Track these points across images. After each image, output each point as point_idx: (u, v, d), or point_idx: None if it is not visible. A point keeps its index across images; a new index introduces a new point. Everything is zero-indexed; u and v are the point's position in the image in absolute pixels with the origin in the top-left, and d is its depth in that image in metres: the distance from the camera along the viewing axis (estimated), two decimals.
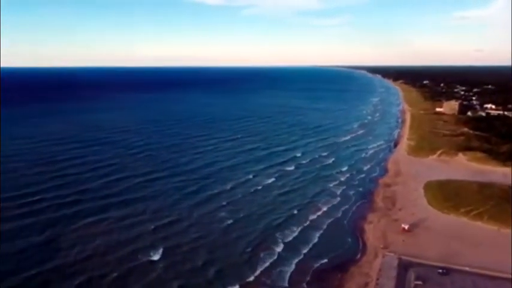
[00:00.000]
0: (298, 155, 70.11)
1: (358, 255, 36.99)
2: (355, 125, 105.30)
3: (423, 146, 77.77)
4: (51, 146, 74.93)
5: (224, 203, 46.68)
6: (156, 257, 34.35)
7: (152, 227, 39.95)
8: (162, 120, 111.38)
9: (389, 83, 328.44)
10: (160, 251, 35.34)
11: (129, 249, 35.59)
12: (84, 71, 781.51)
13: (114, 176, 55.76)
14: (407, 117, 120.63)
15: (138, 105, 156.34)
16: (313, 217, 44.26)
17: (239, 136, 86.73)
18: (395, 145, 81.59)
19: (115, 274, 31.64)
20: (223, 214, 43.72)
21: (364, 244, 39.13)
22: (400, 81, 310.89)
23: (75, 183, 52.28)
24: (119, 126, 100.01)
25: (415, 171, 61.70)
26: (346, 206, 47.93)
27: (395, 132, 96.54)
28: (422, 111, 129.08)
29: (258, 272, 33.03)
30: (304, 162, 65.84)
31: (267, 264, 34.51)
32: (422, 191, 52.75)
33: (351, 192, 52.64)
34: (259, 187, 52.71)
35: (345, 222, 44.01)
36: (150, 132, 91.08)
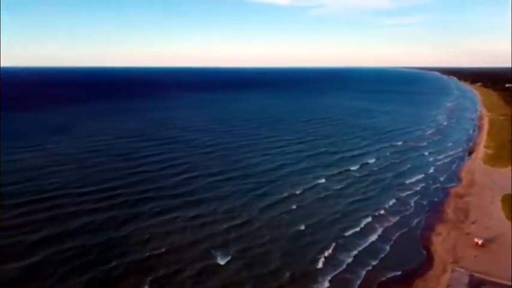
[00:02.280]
0: (370, 161, 67.35)
1: (425, 269, 34.84)
2: (429, 131, 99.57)
3: (502, 155, 71.36)
4: (127, 143, 78.85)
5: (294, 207, 46.00)
6: (227, 258, 34.46)
7: (223, 227, 40.31)
8: (229, 120, 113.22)
9: (465, 85, 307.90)
10: (232, 252, 35.50)
11: (201, 248, 36.15)
12: (139, 71, 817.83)
13: (187, 174, 57.27)
14: (485, 123, 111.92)
15: (203, 105, 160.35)
16: (382, 227, 42.29)
17: (308, 139, 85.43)
18: (470, 153, 75.83)
19: (188, 273, 32.20)
20: (293, 218, 43.06)
21: (432, 257, 36.87)
22: (479, 83, 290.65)
23: (150, 181, 54.31)
24: (188, 125, 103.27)
25: (491, 182, 56.78)
26: (416, 216, 45.36)
27: (471, 139, 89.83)
28: (502, 117, 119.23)
29: (327, 281, 32.08)
30: (375, 168, 63.10)
31: (337, 272, 33.46)
32: (499, 204, 48.22)
33: (421, 202, 49.70)
34: (329, 193, 51.35)
35: (413, 233, 41.67)
36: (219, 132, 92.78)
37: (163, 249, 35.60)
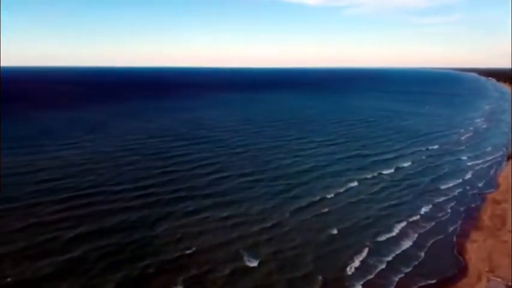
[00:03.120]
0: (404, 164, 65.57)
1: (459, 277, 33.65)
2: (466, 134, 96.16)
3: None
4: (158, 143, 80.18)
5: (326, 210, 45.43)
6: (258, 260, 34.32)
7: (254, 229, 40.24)
8: (258, 120, 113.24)
9: (505, 87, 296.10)
10: (262, 254, 35.38)
11: (232, 249, 36.20)
12: (163, 71, 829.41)
13: (217, 174, 57.61)
14: None
15: (232, 105, 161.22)
16: (416, 233, 40.97)
17: (339, 141, 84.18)
18: (509, 158, 72.67)
19: (219, 273, 32.28)
20: (325, 222, 42.49)
21: (466, 265, 35.49)
22: None
23: (181, 180, 54.96)
24: (217, 124, 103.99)
25: None
26: (451, 223, 43.87)
27: (510, 144, 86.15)
28: None
29: (359, 287, 31.45)
30: (410, 172, 61.44)
31: (369, 278, 32.71)
32: None
33: (457, 208, 48.03)
34: (362, 197, 50.42)
35: (448, 240, 40.29)
36: (248, 133, 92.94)
37: (194, 249, 35.89)
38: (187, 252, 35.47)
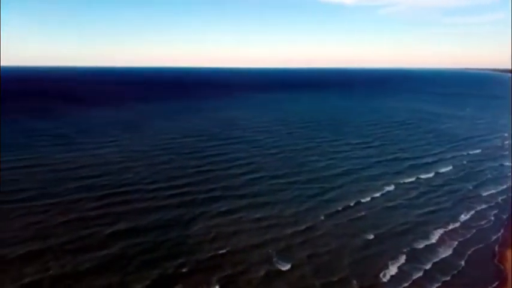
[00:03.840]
0: (444, 169, 63.29)
1: (499, 287, 31.90)
2: (510, 139, 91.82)
3: None
4: (193, 142, 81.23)
5: (361, 215, 44.54)
6: (291, 263, 34.01)
7: (288, 231, 39.98)
8: (292, 121, 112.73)
9: None
10: (296, 257, 35.09)
11: (265, 251, 36.09)
12: (195, 71, 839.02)
13: (251, 175, 57.70)
14: None
15: (267, 105, 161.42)
16: (455, 240, 39.40)
17: (376, 144, 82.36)
18: None
19: (252, 275, 32.31)
20: (360, 227, 41.64)
21: (507, 275, 33.71)
22: None
23: (216, 180, 55.36)
24: (251, 125, 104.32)
25: None
26: (493, 231, 41.87)
27: None
28: None
29: None
30: (450, 178, 59.27)
31: (405, 286, 31.71)
32: None
33: (499, 216, 45.79)
34: (399, 202, 49.08)
35: (489, 249, 38.42)
36: (282, 133, 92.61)
37: (228, 249, 36.09)
38: (221, 252, 35.71)
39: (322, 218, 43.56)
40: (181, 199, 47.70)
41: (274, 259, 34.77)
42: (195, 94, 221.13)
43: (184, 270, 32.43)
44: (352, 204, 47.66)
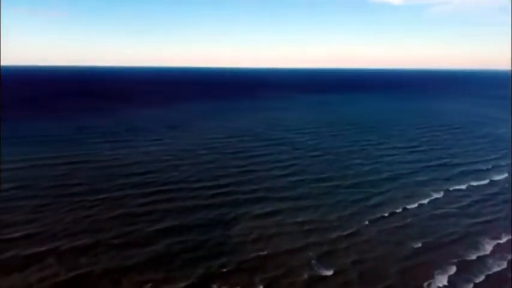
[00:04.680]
0: (499, 177, 59.58)
1: None
2: None
3: None
4: (237, 142, 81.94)
5: (408, 222, 42.92)
6: (334, 269, 33.36)
7: (331, 236, 39.30)
8: (336, 122, 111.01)
9: None
10: (339, 263, 34.39)
11: (308, 255, 35.64)
12: (237, 71, 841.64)
13: (294, 177, 57.30)
14: None
15: (311, 106, 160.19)
16: (509, 254, 36.86)
17: (424, 148, 79.26)
18: None
19: (294, 279, 32.02)
20: (407, 234, 40.14)
21: None
22: None
23: (258, 181, 55.46)
24: (294, 126, 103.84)
25: None
26: None
27: None
28: None
29: None
30: (506, 186, 55.74)
31: None
32: None
33: None
34: (449, 210, 46.81)
35: None
36: (326, 135, 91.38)
37: (270, 251, 36.04)
38: (263, 253, 35.72)
39: (367, 223, 42.50)
40: (224, 199, 48.22)
41: (317, 263, 34.32)
42: (238, 94, 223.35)
43: (227, 269, 32.74)
44: (398, 210, 46.15)
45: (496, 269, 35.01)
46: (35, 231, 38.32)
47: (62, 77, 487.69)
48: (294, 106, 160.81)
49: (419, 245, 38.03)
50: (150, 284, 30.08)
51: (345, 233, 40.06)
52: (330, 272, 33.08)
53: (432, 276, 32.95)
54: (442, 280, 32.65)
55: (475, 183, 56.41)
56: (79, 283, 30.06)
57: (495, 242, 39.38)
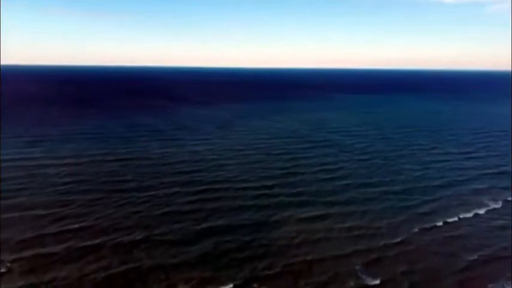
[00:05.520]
0: None
1: None
2: None
3: None
4: (283, 144, 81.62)
5: (462, 232, 40.67)
6: (382, 277, 32.23)
7: (379, 243, 38.03)
8: (384, 125, 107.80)
9: None
10: (388, 272, 33.16)
11: (354, 262, 34.73)
12: (289, 72, 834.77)
13: (341, 181, 56.13)
14: None
15: (357, 107, 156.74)
16: None
17: (480, 154, 74.93)
18: None
19: (340, 285, 31.37)
20: (462, 245, 38.03)
21: None
22: None
23: (303, 184, 54.80)
24: (341, 128, 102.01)
25: None
26: None
27: None
28: None
29: None
30: None
31: None
32: None
33: None
34: (508, 221, 43.78)
35: None
36: (374, 138, 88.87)
37: (315, 256, 35.45)
38: (309, 258, 35.23)
39: (418, 232, 40.81)
40: (269, 200, 48.13)
41: (364, 271, 33.39)
42: (284, 95, 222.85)
43: (272, 272, 32.62)
44: (451, 219, 43.95)
45: None
46: (88, 224, 40.15)
47: (109, 77, 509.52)
48: (338, 107, 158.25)
49: (475, 257, 36.01)
50: (197, 282, 30.58)
51: (394, 241, 38.70)
52: (377, 281, 32.07)
53: None
54: None
55: None
56: (130, 276, 31.09)
57: None
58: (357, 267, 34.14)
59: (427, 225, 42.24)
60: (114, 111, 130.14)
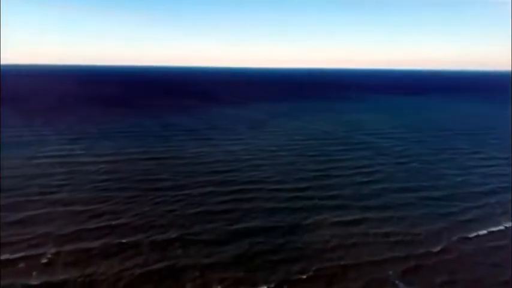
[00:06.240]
0: None
1: None
2: None
3: None
4: (317, 145, 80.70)
5: (509, 243, 38.72)
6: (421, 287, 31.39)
7: (418, 251, 36.67)
8: (422, 127, 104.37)
9: None
10: (428, 281, 31.96)
11: (391, 269, 33.68)
12: (320, 72, 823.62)
13: (378, 185, 54.72)
14: None
15: (393, 109, 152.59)
16: None
17: None
18: None
19: None
20: (507, 257, 36.14)
21: None
22: None
23: (339, 187, 53.86)
24: (378, 130, 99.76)
25: None
26: None
27: None
28: None
29: None
30: None
31: None
32: None
33: None
34: None
35: None
36: (412, 141, 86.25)
37: (349, 262, 34.65)
38: (343, 262, 34.53)
39: (459, 240, 39.12)
40: (303, 203, 47.58)
41: (400, 279, 32.34)
42: (311, 95, 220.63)
43: (305, 275, 32.20)
44: (496, 228, 41.87)
45: None
46: (125, 221, 41.04)
47: (144, 76, 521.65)
48: (374, 108, 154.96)
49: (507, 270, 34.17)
50: (231, 282, 30.59)
51: (433, 249, 37.26)
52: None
53: None
54: None
55: None
56: (165, 274, 31.49)
57: None
58: (393, 274, 33.14)
59: (469, 234, 40.44)
60: (149, 111, 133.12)
